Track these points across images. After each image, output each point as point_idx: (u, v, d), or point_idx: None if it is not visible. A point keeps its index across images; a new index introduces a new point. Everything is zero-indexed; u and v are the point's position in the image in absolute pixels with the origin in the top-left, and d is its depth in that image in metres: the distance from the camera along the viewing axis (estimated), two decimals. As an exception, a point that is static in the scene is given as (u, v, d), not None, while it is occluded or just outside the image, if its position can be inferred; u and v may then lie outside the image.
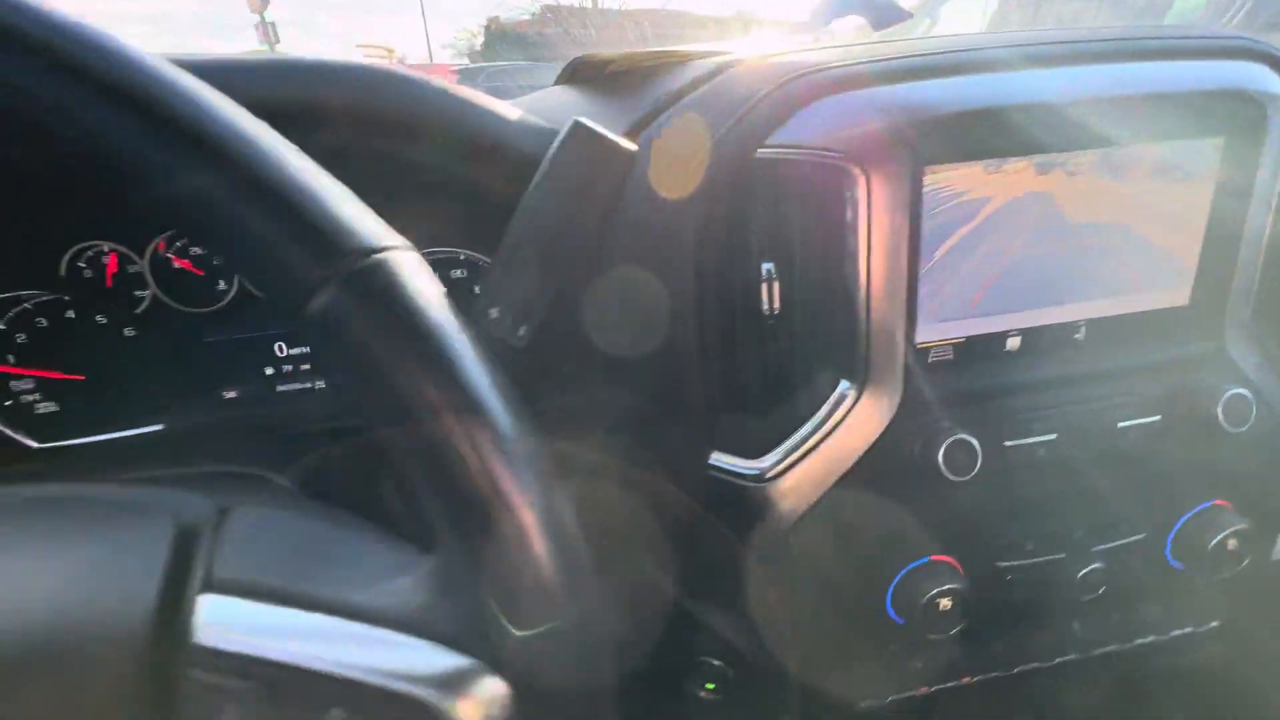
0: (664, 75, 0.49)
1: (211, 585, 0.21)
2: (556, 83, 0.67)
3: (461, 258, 0.57)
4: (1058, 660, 0.52)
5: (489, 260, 0.57)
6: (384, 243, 0.20)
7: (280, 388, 0.58)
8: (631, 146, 0.37)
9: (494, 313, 0.35)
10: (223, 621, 0.20)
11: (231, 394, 0.57)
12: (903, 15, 0.71)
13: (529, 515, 0.19)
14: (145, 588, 0.21)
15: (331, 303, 0.19)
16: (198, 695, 0.19)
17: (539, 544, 0.19)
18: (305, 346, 0.58)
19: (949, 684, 0.52)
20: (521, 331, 0.35)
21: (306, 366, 0.58)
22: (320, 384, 0.59)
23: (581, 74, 0.60)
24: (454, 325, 0.21)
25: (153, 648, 0.20)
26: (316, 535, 0.24)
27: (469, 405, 0.19)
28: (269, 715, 0.19)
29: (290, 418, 0.58)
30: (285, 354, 0.57)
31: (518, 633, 0.20)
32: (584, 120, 0.36)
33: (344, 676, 0.19)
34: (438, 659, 0.19)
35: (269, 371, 0.57)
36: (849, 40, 0.51)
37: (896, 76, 0.41)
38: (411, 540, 0.23)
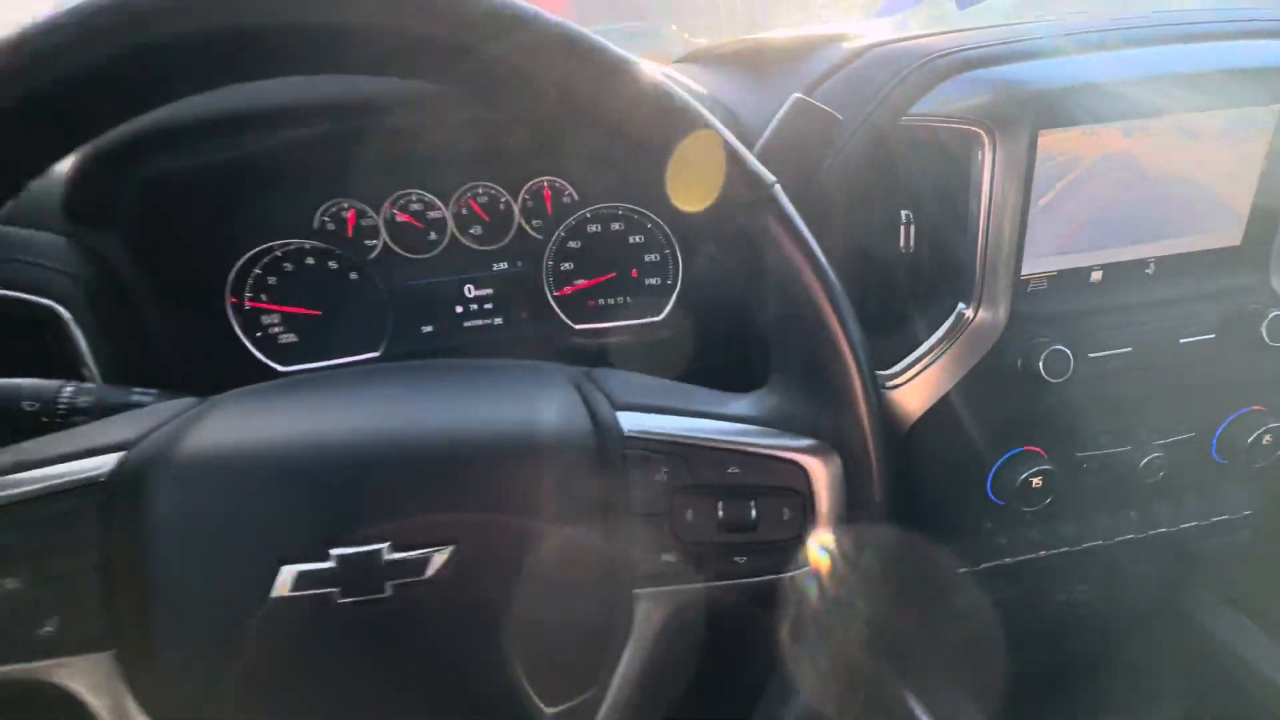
0: (813, 55, 0.59)
1: (617, 406, 0.33)
2: (676, 63, 0.77)
3: (620, 211, 0.68)
4: (1117, 539, 0.64)
5: (643, 212, 0.68)
6: (772, 178, 0.31)
7: (466, 324, 0.70)
8: (838, 116, 0.47)
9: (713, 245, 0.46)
10: (638, 424, 0.32)
11: (428, 329, 0.69)
12: (984, -4, 0.80)
13: (853, 358, 0.30)
14: (580, 410, 0.33)
15: (757, 217, 0.30)
16: (636, 461, 0.31)
17: (857, 379, 0.30)
18: (489, 289, 0.69)
19: (1027, 556, 0.64)
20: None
21: (489, 306, 0.70)
22: (498, 320, 0.70)
23: (716, 54, 0.70)
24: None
25: (602, 434, 0.32)
26: (660, 384, 0.36)
27: (829, 284, 0.30)
28: (684, 473, 0.31)
29: (473, 348, 0.70)
30: (472, 295, 0.69)
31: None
32: (804, 96, 0.46)
33: (732, 446, 0.31)
34: (788, 440, 0.31)
35: (459, 310, 0.69)
36: (962, 25, 0.61)
37: (1016, 57, 0.51)
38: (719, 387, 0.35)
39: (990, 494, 0.59)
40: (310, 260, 0.65)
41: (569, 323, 0.71)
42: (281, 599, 0.28)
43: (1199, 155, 0.54)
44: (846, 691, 0.49)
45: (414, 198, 0.64)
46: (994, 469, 0.58)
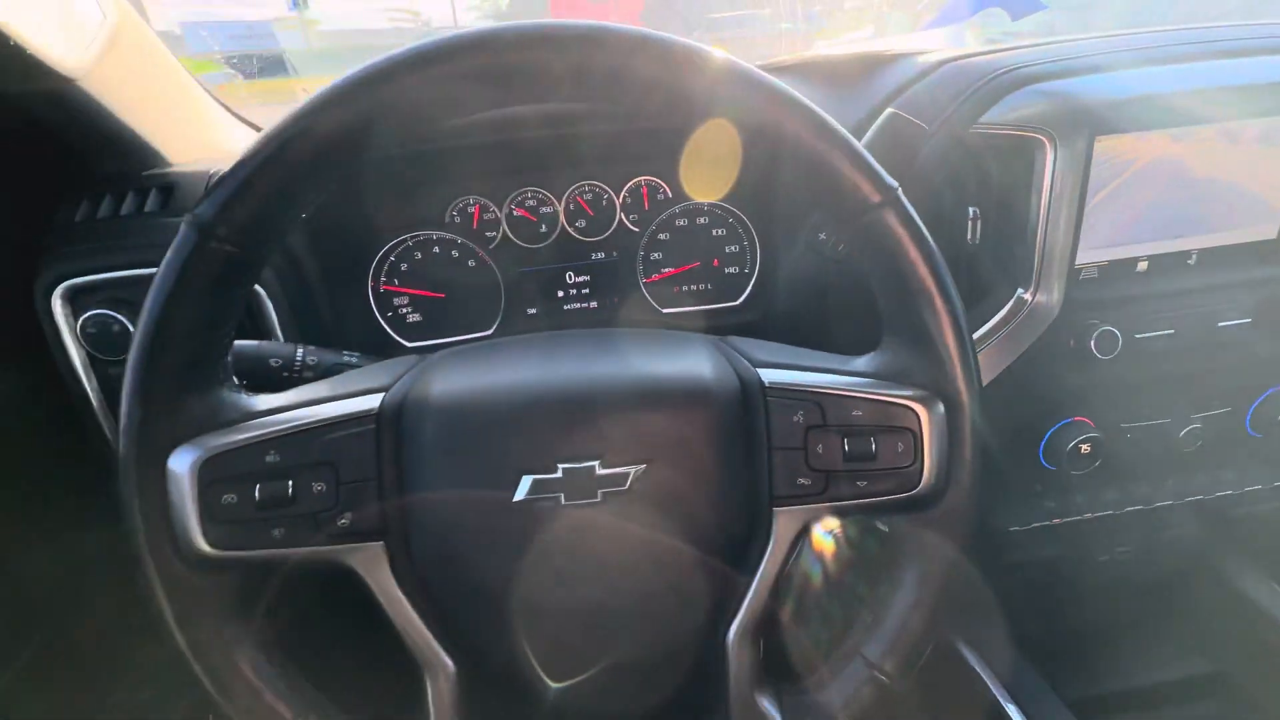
0: (886, 69, 0.66)
1: (756, 364, 0.42)
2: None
3: (705, 207, 0.77)
4: (1156, 504, 0.71)
5: (727, 207, 0.76)
6: (895, 182, 0.39)
7: (566, 306, 0.79)
8: (925, 126, 0.55)
9: (822, 235, 0.54)
10: (777, 377, 0.40)
11: (532, 311, 0.78)
12: (1038, 6, 0.86)
13: (959, 327, 0.38)
14: (726, 366, 0.42)
15: (882, 217, 0.37)
16: (775, 406, 0.40)
17: (963, 344, 0.38)
18: (586, 275, 0.78)
19: (1073, 518, 0.71)
20: (841, 249, 0.54)
21: (587, 290, 0.79)
22: (594, 304, 0.79)
23: (785, 67, 0.78)
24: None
25: (745, 386, 0.40)
26: (784, 348, 0.44)
27: (942, 271, 0.38)
28: (816, 415, 0.39)
29: (571, 327, 0.79)
30: (572, 281, 0.78)
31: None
32: (897, 110, 0.54)
33: (858, 394, 0.39)
34: (903, 390, 0.39)
35: (560, 294, 0.78)
36: (1025, 42, 0.68)
37: (1076, 72, 0.58)
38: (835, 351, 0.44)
39: (1042, 459, 0.67)
40: (436, 249, 0.74)
41: (656, 306, 0.79)
42: (521, 501, 0.37)
43: (1239, 158, 0.61)
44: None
45: (530, 194, 0.73)
46: (1046, 436, 0.65)
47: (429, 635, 0.38)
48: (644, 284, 0.78)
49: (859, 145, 0.37)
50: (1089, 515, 0.71)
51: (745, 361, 0.42)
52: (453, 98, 0.34)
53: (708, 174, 0.73)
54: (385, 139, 0.35)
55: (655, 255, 0.78)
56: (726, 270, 0.79)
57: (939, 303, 0.38)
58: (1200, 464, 0.71)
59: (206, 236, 0.34)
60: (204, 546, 0.35)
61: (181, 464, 0.35)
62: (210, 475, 0.35)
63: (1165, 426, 0.66)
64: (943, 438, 0.39)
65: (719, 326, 0.78)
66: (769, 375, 0.41)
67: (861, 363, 0.42)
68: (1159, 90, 0.58)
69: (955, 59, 0.63)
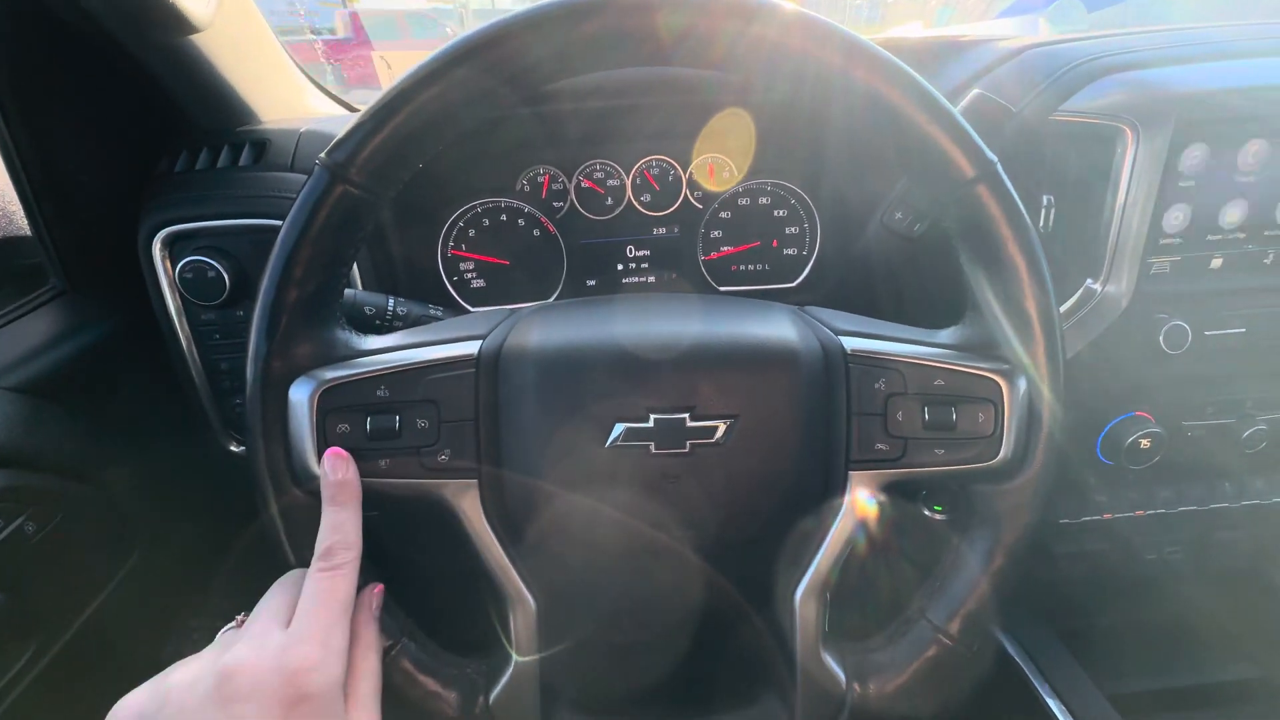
0: (966, 53, 0.66)
1: (838, 332, 0.43)
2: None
3: (769, 187, 0.77)
4: (1210, 506, 0.71)
5: (790, 187, 0.77)
6: (994, 156, 0.39)
7: (625, 280, 0.80)
8: (1012, 108, 0.55)
9: (898, 215, 0.55)
10: (859, 345, 0.42)
11: (592, 282, 0.80)
12: (1115, -1, 0.85)
13: (1048, 304, 0.39)
14: (809, 333, 0.43)
15: (980, 191, 0.38)
16: (857, 373, 0.41)
17: (1050, 320, 0.39)
18: (647, 250, 0.80)
19: (1124, 514, 0.71)
20: (917, 228, 0.55)
21: (645, 265, 0.80)
22: (652, 279, 0.81)
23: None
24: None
25: (827, 352, 0.41)
26: (864, 319, 0.45)
27: (1036, 248, 0.39)
28: (898, 383, 0.40)
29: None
30: (632, 255, 0.79)
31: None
32: (984, 90, 0.54)
33: (940, 364, 0.40)
34: (986, 363, 0.40)
35: (619, 267, 0.80)
36: (1104, 31, 0.67)
37: (1161, 62, 0.58)
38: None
39: (1099, 453, 0.67)
40: (504, 217, 0.76)
41: (713, 284, 0.80)
42: (614, 447, 0.39)
43: (1326, 157, 0.60)
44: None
45: (599, 167, 0.74)
46: (1105, 430, 0.65)
47: (513, 571, 0.41)
48: (702, 261, 0.79)
49: (961, 117, 0.37)
50: (1141, 513, 0.71)
51: (826, 330, 0.43)
52: (574, 57, 0.36)
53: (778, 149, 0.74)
54: (506, 95, 0.36)
55: (715, 233, 0.79)
56: (785, 251, 0.80)
57: (1031, 278, 0.39)
58: (1261, 467, 0.70)
59: (337, 179, 0.36)
60: (319, 470, 0.38)
61: (301, 394, 0.38)
62: (326, 405, 0.38)
63: (1229, 426, 0.65)
64: (1024, 412, 0.40)
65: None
66: (851, 343, 0.42)
67: (945, 335, 0.43)
68: (1246, 84, 0.57)
69: (1039, 45, 0.63)
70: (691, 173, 0.76)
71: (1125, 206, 0.59)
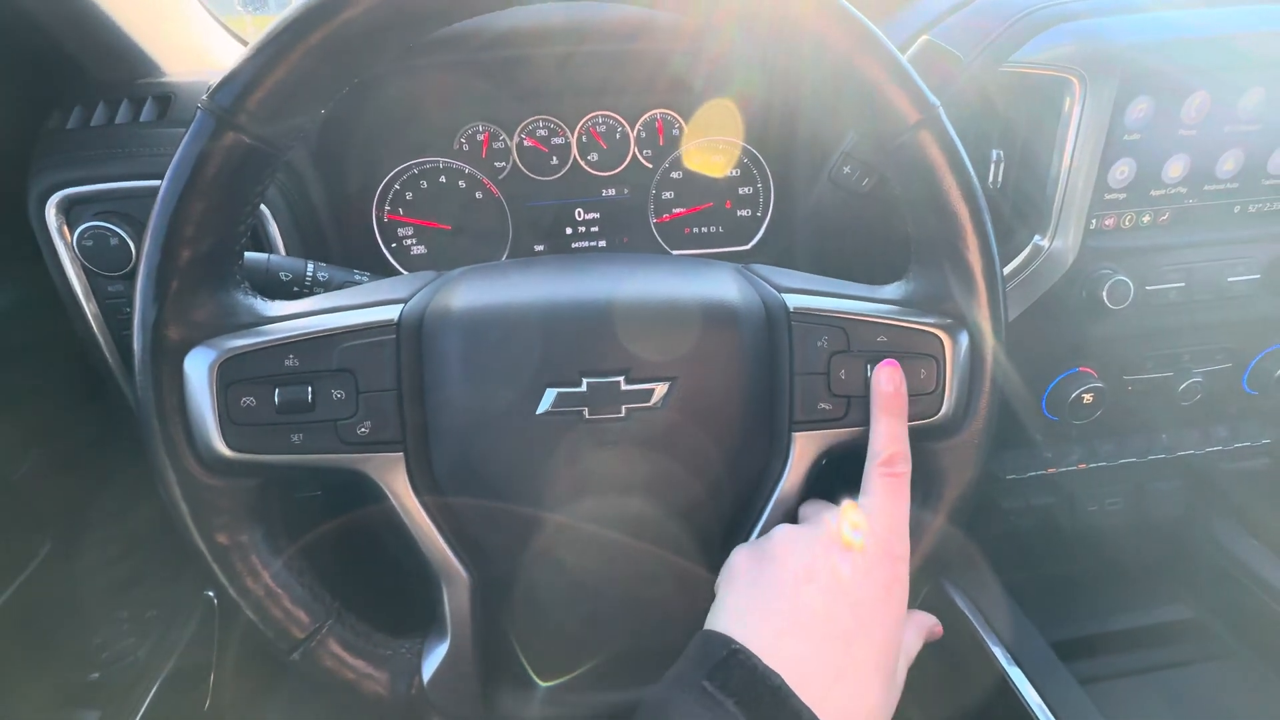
0: (921, 1, 0.64)
1: (780, 289, 0.41)
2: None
3: (720, 145, 0.75)
4: (1149, 458, 0.73)
5: (745, 145, 0.75)
6: (936, 100, 0.37)
7: (574, 245, 0.77)
8: (960, 56, 0.53)
9: (846, 169, 0.53)
10: (802, 303, 0.40)
11: (540, 247, 0.77)
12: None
13: (990, 257, 0.38)
14: (751, 291, 0.41)
15: (921, 137, 0.36)
16: (800, 331, 0.39)
17: (992, 274, 0.38)
18: (596, 213, 0.76)
19: (1068, 468, 0.73)
20: (865, 183, 0.53)
21: (595, 229, 0.77)
22: (603, 243, 0.78)
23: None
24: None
25: (770, 311, 0.40)
26: (809, 276, 0.44)
27: (978, 198, 0.37)
28: (841, 340, 0.39)
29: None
30: (582, 218, 0.76)
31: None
32: (933, 39, 0.52)
33: (883, 320, 0.39)
34: (928, 318, 0.39)
35: (568, 231, 0.77)
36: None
37: (1109, 11, 0.57)
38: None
39: (1044, 409, 0.67)
40: (443, 179, 0.72)
41: (666, 248, 0.78)
42: (545, 414, 0.36)
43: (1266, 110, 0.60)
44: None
45: (541, 123, 0.71)
46: (1050, 386, 0.66)
47: (445, 546, 0.39)
48: (654, 224, 0.77)
49: (903, 59, 0.36)
50: (1083, 466, 0.73)
51: (769, 287, 0.42)
52: None
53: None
54: (416, 25, 0.33)
55: (667, 194, 0.76)
56: (739, 213, 0.78)
57: (971, 229, 0.38)
58: (1196, 420, 0.72)
59: (224, 124, 0.32)
60: (222, 448, 0.35)
61: (199, 365, 0.34)
62: (229, 377, 0.35)
63: (1167, 380, 0.67)
64: (965, 368, 0.39)
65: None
66: (794, 300, 0.40)
67: (888, 290, 0.42)
68: (1191, 35, 0.56)
69: (990, -7, 0.61)
70: (639, 130, 0.73)
71: (1072, 161, 0.58)
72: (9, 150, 0.57)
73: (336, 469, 0.37)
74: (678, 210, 0.77)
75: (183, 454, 0.35)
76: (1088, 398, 0.64)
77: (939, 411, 0.39)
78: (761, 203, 0.77)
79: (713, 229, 0.78)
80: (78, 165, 0.56)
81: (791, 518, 0.41)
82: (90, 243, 0.55)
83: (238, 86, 0.32)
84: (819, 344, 0.39)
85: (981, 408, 0.40)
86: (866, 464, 0.38)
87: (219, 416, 0.35)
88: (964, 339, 0.39)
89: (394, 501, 0.38)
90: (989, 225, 0.38)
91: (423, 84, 0.65)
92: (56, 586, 0.58)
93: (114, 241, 0.55)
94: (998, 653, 0.70)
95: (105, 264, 0.56)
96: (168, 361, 0.34)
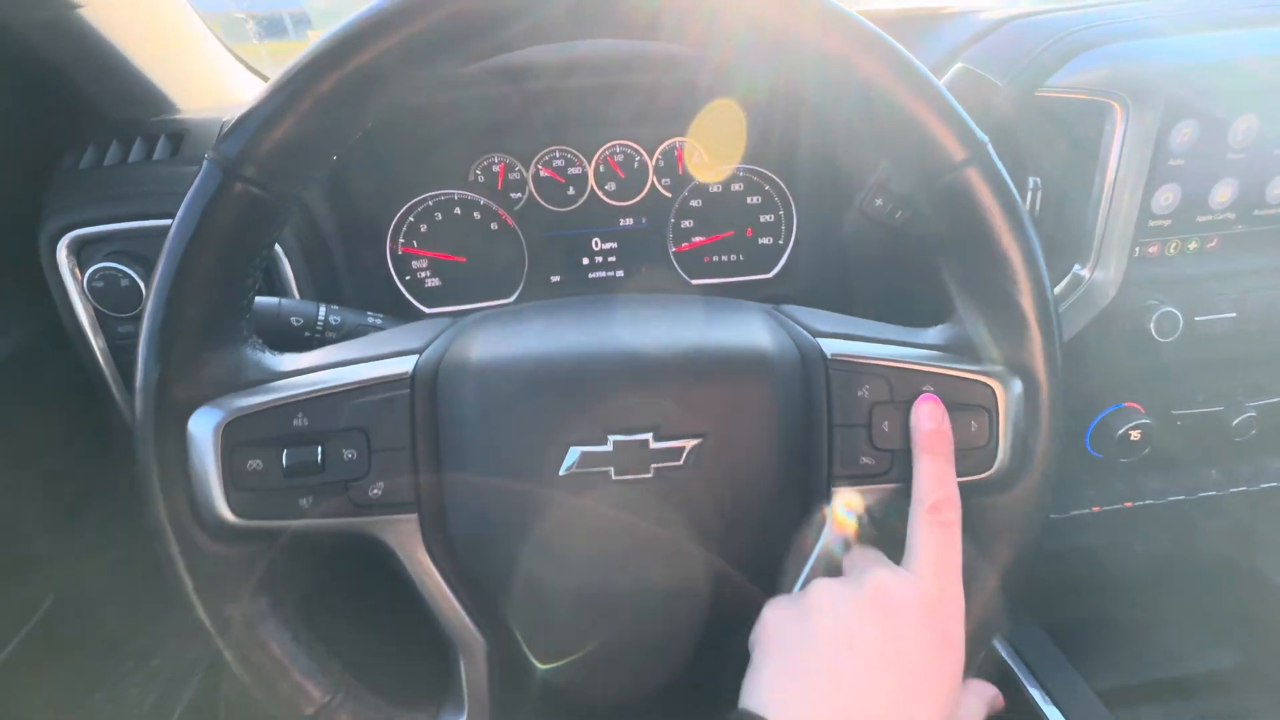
0: (944, 27, 0.62)
1: (815, 334, 0.39)
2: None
3: (741, 173, 0.73)
4: (1199, 495, 0.69)
5: (764, 173, 0.73)
6: (985, 137, 0.35)
7: (591, 275, 0.76)
8: (998, 83, 0.51)
9: (879, 202, 0.51)
10: (839, 349, 0.38)
11: (556, 278, 0.75)
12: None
13: (1046, 300, 0.35)
14: (784, 336, 0.39)
15: (969, 175, 0.34)
16: (839, 380, 0.37)
17: (1046, 317, 0.35)
18: (614, 242, 0.75)
19: (1113, 506, 0.69)
20: (898, 216, 0.51)
21: (613, 259, 0.75)
22: (620, 273, 0.76)
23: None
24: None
25: (805, 357, 0.37)
26: (843, 318, 0.41)
27: (1031, 238, 0.35)
28: (883, 390, 0.36)
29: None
30: (599, 248, 0.75)
31: None
32: (968, 65, 0.50)
33: (928, 368, 0.36)
34: (978, 365, 0.36)
35: (585, 261, 0.75)
36: (1090, 1, 0.64)
37: (1151, 33, 0.54)
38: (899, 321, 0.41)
39: (1088, 446, 0.64)
40: (458, 210, 0.70)
41: (685, 277, 0.76)
42: (567, 475, 0.34)
43: (1318, 132, 0.57)
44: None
45: (558, 154, 0.69)
46: (1094, 422, 0.63)
47: (462, 612, 0.36)
48: (673, 253, 0.75)
49: (948, 94, 0.33)
50: (1129, 504, 0.69)
51: (804, 331, 0.39)
52: (547, 28, 0.31)
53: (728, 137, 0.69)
54: (430, 71, 0.31)
55: (686, 223, 0.74)
56: (760, 241, 0.76)
57: (1024, 270, 0.35)
58: (1249, 454, 0.68)
59: (231, 176, 0.31)
60: (228, 515, 0.33)
61: (203, 426, 0.33)
62: (234, 439, 0.33)
63: (1219, 415, 0.63)
64: (1019, 418, 0.36)
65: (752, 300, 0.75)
66: (831, 346, 0.38)
67: (932, 335, 0.39)
68: (1239, 56, 0.54)
69: (1020, 16, 0.59)
70: (658, 159, 0.71)
71: (1114, 188, 0.56)
72: (22, 190, 0.56)
73: (348, 533, 0.35)
74: (697, 239, 0.75)
75: (185, 521, 0.33)
76: (1135, 435, 0.61)
77: (992, 467, 0.36)
78: (783, 230, 0.75)
79: (733, 258, 0.76)
80: (90, 206, 0.55)
81: (832, 575, 0.38)
82: (101, 283, 0.54)
83: (245, 135, 0.30)
84: (859, 394, 0.37)
85: (1038, 461, 0.37)
86: (911, 512, 0.35)
87: (224, 481, 0.33)
88: (1017, 387, 0.36)
89: (407, 566, 0.36)
90: (1043, 267, 0.35)
91: (437, 116, 0.63)
92: (59, 639, 0.56)
93: (124, 283, 0.54)
94: (1041, 703, 0.66)
95: (116, 305, 0.55)
96: (171, 424, 0.32)
